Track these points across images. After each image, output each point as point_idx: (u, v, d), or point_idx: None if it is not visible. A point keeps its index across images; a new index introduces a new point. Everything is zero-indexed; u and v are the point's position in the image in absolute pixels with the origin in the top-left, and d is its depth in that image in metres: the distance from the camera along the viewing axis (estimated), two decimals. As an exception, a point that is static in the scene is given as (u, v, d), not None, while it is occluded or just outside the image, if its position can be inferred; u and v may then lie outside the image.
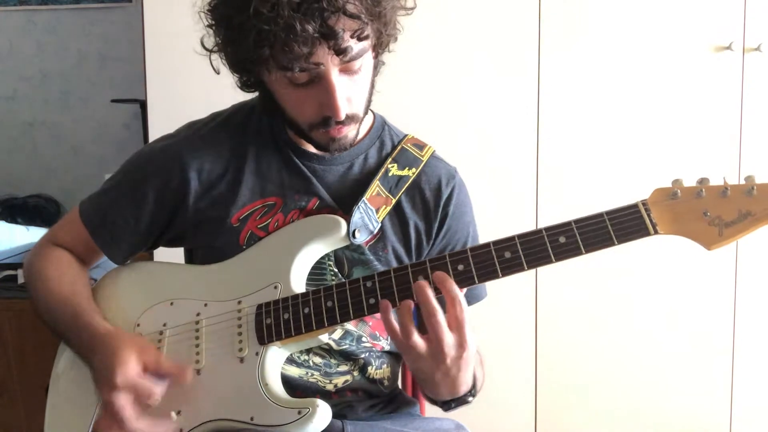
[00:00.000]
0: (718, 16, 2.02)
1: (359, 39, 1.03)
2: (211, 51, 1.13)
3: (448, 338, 0.98)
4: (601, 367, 2.15)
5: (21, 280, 2.22)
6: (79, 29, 2.95)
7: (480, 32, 2.05)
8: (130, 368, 1.03)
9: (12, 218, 2.66)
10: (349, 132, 1.13)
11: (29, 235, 2.42)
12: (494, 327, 2.08)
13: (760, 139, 2.06)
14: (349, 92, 1.07)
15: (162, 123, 2.00)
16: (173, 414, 1.07)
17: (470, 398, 1.08)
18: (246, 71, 1.12)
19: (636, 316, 2.12)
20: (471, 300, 1.21)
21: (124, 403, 1.02)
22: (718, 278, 2.10)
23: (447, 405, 1.10)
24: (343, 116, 1.07)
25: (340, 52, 1.01)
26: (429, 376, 1.02)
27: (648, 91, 2.06)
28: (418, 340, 0.98)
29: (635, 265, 2.09)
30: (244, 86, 1.17)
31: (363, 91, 1.12)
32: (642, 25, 2.04)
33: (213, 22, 1.09)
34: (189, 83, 2.04)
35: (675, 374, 2.14)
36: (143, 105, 2.20)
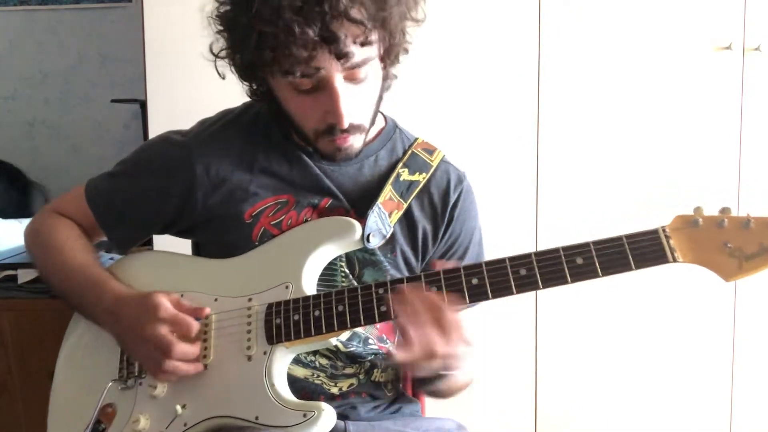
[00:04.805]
0: (718, 16, 2.03)
1: (362, 45, 1.03)
2: (217, 56, 1.14)
3: (432, 336, 0.97)
4: (601, 368, 2.15)
5: (21, 279, 2.21)
6: (79, 29, 2.95)
7: (480, 33, 2.06)
8: (168, 304, 1.09)
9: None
10: (355, 142, 1.13)
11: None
12: (495, 327, 2.08)
13: (760, 140, 2.07)
14: (353, 100, 1.07)
15: (162, 123, 2.00)
16: (178, 407, 1.08)
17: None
18: (253, 78, 1.13)
19: (636, 317, 2.12)
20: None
21: (167, 332, 1.07)
22: (718, 279, 2.10)
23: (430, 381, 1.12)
24: (346, 124, 1.07)
25: (341, 56, 1.02)
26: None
27: (648, 91, 2.06)
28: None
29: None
30: (254, 95, 1.18)
31: (369, 101, 1.12)
32: (642, 25, 2.04)
33: (222, 28, 1.10)
34: (189, 83, 2.03)
35: (675, 375, 2.14)
36: (143, 105, 2.19)
